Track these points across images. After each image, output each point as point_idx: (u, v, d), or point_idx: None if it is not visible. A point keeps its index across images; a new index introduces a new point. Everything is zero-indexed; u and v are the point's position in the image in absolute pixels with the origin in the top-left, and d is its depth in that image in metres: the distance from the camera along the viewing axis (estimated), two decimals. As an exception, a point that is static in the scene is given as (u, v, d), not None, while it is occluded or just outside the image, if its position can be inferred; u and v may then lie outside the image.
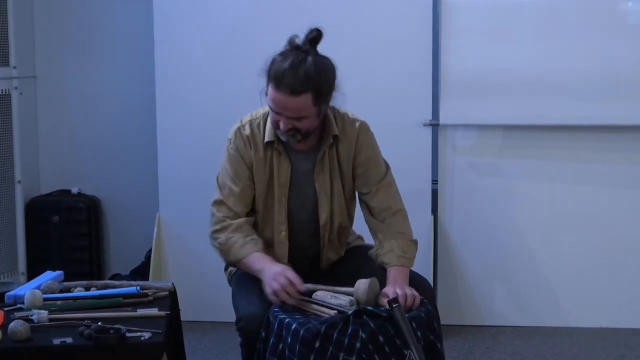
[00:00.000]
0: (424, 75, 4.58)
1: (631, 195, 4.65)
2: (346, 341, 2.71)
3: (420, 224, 4.57)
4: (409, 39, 4.57)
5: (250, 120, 3.14)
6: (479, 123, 4.66)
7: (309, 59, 2.93)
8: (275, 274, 2.91)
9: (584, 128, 4.61)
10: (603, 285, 4.67)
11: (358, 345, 2.71)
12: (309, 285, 2.98)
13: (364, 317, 2.74)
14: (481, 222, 4.71)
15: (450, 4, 4.58)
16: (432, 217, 4.67)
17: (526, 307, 4.72)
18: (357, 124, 3.15)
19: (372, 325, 2.73)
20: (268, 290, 2.91)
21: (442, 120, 4.61)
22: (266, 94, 2.99)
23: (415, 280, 3.04)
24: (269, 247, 3.18)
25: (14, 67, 4.83)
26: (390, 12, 4.57)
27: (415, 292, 2.90)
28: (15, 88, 4.85)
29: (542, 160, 4.67)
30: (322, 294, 2.90)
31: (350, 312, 2.75)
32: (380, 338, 2.73)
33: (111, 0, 5.16)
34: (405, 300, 2.85)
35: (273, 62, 2.96)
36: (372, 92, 4.59)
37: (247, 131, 3.12)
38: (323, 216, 3.15)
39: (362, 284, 2.86)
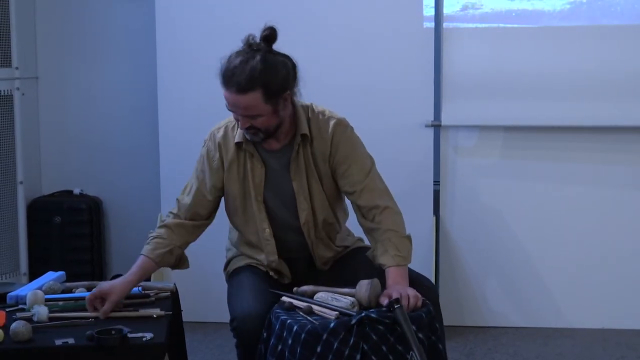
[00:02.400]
0: (426, 76, 4.58)
1: (634, 196, 4.64)
2: (347, 352, 2.70)
3: (422, 225, 4.59)
4: (411, 40, 4.57)
5: (226, 124, 3.18)
6: (481, 124, 4.66)
7: (257, 57, 2.93)
8: (100, 286, 3.03)
9: (586, 129, 4.61)
10: (604, 286, 4.67)
11: (358, 357, 2.70)
12: (310, 287, 2.98)
13: (367, 328, 2.72)
14: (483, 223, 4.71)
15: (452, 5, 4.58)
16: (434, 217, 4.67)
17: (528, 308, 4.72)
18: (332, 122, 3.12)
19: (374, 337, 2.72)
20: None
21: (444, 121, 4.61)
22: None
23: (417, 281, 3.03)
24: (255, 248, 3.21)
25: (16, 68, 4.84)
26: (392, 13, 4.58)
27: (417, 293, 2.89)
28: (18, 89, 4.86)
29: (544, 161, 4.67)
30: (324, 296, 2.90)
31: (354, 319, 2.73)
32: (384, 348, 2.72)
33: (113, 1, 5.16)
34: (408, 302, 2.84)
35: (224, 62, 2.98)
36: (374, 93, 4.60)
37: (220, 134, 3.17)
38: (303, 215, 3.14)
39: (363, 285, 2.85)
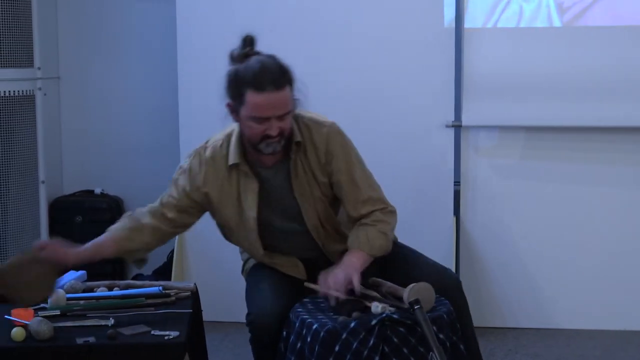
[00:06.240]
0: (446, 76, 4.57)
1: (654, 197, 4.63)
2: (365, 353, 2.69)
3: (442, 225, 4.58)
4: (431, 41, 4.57)
5: (214, 143, 3.08)
6: (502, 124, 4.64)
7: (263, 57, 2.91)
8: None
9: (606, 130, 4.58)
10: (626, 287, 4.64)
11: (377, 359, 2.70)
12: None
13: (388, 331, 2.72)
14: (503, 223, 4.69)
15: (472, 5, 4.57)
16: (454, 218, 4.66)
17: (549, 309, 4.70)
18: (324, 130, 3.02)
19: (395, 339, 2.71)
20: None
21: (465, 121, 4.60)
22: (235, 112, 2.94)
23: (440, 274, 3.01)
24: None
25: (38, 68, 4.86)
26: (413, 14, 4.57)
27: (351, 280, 2.85)
28: (39, 89, 4.87)
29: (564, 162, 4.65)
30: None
31: (374, 319, 2.72)
32: (405, 350, 2.72)
33: (134, 2, 5.19)
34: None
35: (237, 74, 2.91)
36: (395, 93, 4.59)
37: (207, 153, 3.07)
38: (310, 223, 3.07)
39: (409, 286, 2.83)
